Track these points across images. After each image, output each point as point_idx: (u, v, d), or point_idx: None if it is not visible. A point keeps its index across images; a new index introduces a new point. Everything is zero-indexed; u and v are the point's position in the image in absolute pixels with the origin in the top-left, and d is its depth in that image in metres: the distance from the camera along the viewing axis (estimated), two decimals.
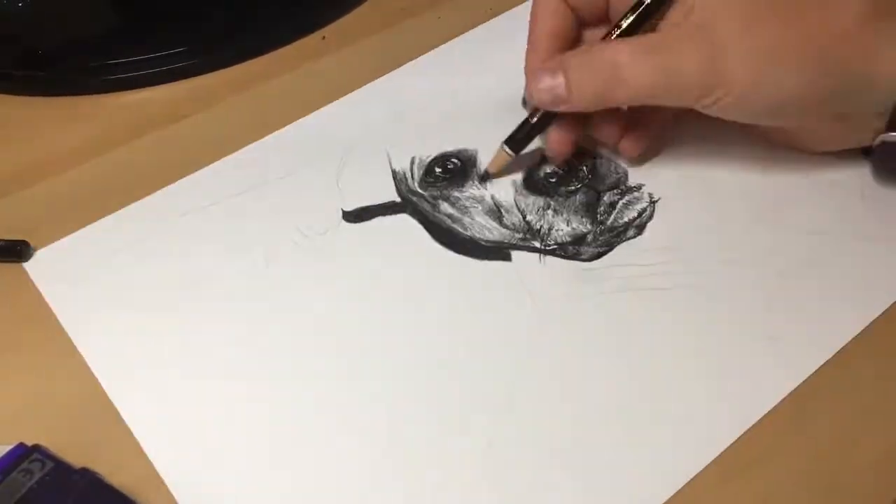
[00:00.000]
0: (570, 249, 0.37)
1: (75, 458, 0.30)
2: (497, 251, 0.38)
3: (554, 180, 0.40)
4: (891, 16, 0.33)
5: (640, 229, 0.38)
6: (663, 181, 0.40)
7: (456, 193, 0.40)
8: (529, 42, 0.40)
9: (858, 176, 0.39)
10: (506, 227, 0.39)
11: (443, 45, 0.49)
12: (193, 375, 0.34)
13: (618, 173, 0.41)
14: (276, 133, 0.44)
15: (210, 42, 0.51)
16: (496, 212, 0.39)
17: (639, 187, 0.40)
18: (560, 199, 0.40)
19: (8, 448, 0.29)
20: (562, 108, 0.37)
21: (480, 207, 0.39)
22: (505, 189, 0.40)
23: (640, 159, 0.41)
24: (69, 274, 0.38)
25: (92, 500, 0.28)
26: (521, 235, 0.38)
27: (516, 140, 0.40)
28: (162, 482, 0.30)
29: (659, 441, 0.31)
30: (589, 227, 0.38)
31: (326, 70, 0.49)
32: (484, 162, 0.41)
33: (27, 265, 0.39)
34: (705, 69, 0.34)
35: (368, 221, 0.39)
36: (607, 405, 0.32)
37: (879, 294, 0.34)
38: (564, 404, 0.32)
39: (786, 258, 0.36)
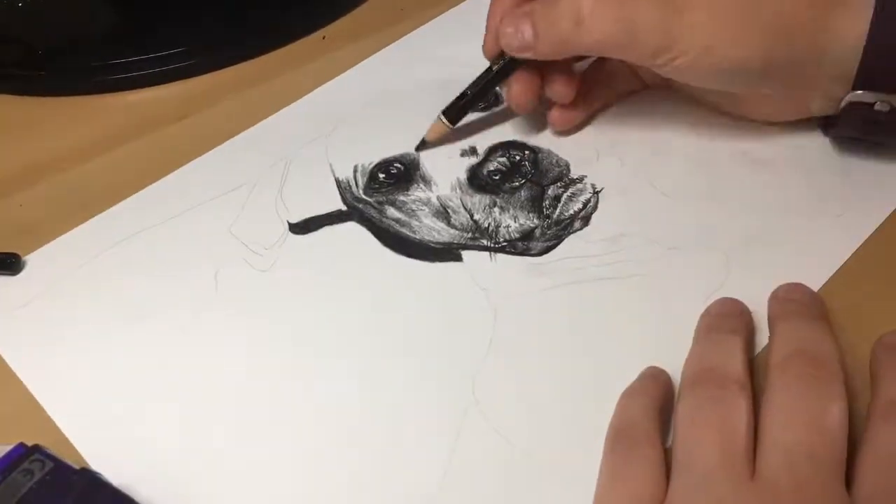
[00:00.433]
0: (520, 245, 0.38)
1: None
2: (447, 252, 0.38)
3: (498, 177, 0.41)
4: None
5: (586, 221, 0.38)
6: (604, 171, 0.40)
7: (402, 198, 0.40)
8: None
9: (797, 155, 0.40)
10: (454, 227, 0.39)
11: (377, 53, 0.49)
12: (145, 397, 0.33)
13: (560, 166, 0.41)
14: (215, 149, 0.44)
15: (210, 42, 0.51)
16: (443, 213, 0.39)
17: (581, 179, 0.40)
18: (505, 195, 0.40)
19: (8, 448, 0.29)
20: (527, 55, 0.38)
21: (427, 210, 0.40)
22: (450, 189, 0.40)
23: (562, 133, 0.42)
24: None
25: (92, 500, 0.28)
26: (469, 235, 0.38)
27: (453, 110, 0.41)
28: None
29: None
30: (536, 221, 0.39)
31: (326, 70, 0.48)
32: (426, 165, 0.41)
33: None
34: (663, 27, 0.35)
35: (316, 232, 0.39)
36: (568, 397, 0.32)
37: (823, 267, 0.35)
38: (527, 398, 0.32)
39: (730, 239, 0.37)
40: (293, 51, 0.51)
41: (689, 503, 0.26)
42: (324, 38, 0.51)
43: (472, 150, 0.42)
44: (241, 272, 0.38)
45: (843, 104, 0.36)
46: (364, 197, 0.40)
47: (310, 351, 0.35)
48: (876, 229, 0.37)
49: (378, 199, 0.40)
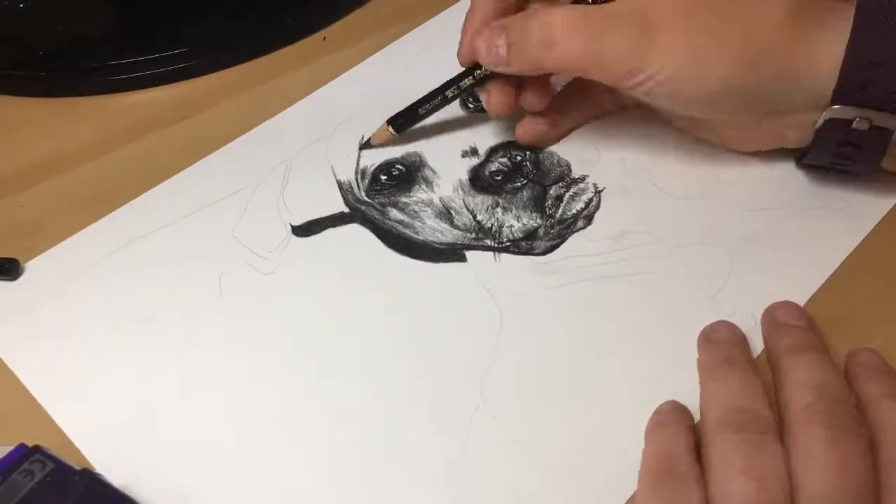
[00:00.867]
0: (524, 245, 0.38)
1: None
2: (451, 253, 0.38)
3: (499, 178, 0.41)
4: (812, 18, 0.34)
5: (589, 220, 0.39)
6: (606, 171, 0.41)
7: (404, 199, 0.40)
8: (472, 4, 0.40)
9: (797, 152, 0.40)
10: (457, 228, 0.39)
11: (377, 53, 0.49)
12: (148, 400, 0.33)
13: (561, 166, 0.41)
14: (216, 151, 0.44)
15: (210, 43, 0.50)
16: (446, 214, 0.39)
17: (583, 178, 0.40)
18: (507, 195, 0.40)
19: (9, 449, 0.29)
20: (501, 69, 0.38)
21: (430, 211, 0.40)
22: (452, 190, 0.40)
23: (530, 144, 0.42)
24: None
25: (93, 500, 0.28)
26: (473, 235, 0.38)
27: (399, 120, 0.42)
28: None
29: (633, 430, 0.31)
30: (539, 221, 0.39)
31: (327, 70, 0.48)
32: (428, 166, 0.41)
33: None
34: (634, 47, 0.35)
35: (319, 234, 0.39)
36: (576, 396, 0.32)
37: (824, 260, 0.36)
38: (535, 398, 0.32)
39: (731, 236, 0.37)
40: (294, 51, 0.51)
41: None
42: (324, 38, 0.51)
43: (474, 151, 0.42)
44: (245, 276, 0.38)
45: (819, 123, 0.35)
46: (366, 199, 0.40)
47: (315, 354, 0.34)
48: (875, 227, 0.37)
49: (380, 200, 0.40)
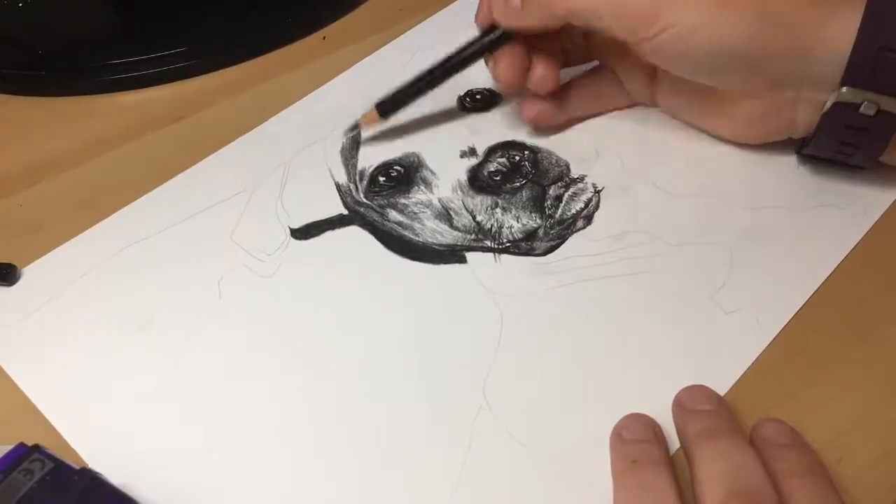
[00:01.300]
0: (524, 246, 0.38)
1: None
2: (451, 254, 0.38)
3: (498, 178, 0.41)
4: None
5: (589, 219, 0.39)
6: (605, 170, 0.41)
7: (403, 200, 0.40)
8: None
9: (791, 151, 0.40)
10: (457, 229, 0.39)
11: (375, 53, 0.49)
12: (149, 401, 0.33)
13: (560, 166, 0.41)
14: (214, 154, 0.44)
15: (210, 42, 0.51)
16: (445, 215, 0.39)
17: (582, 178, 0.40)
18: (507, 196, 0.40)
19: (8, 448, 0.29)
20: (516, 23, 0.38)
21: (429, 212, 0.39)
22: (451, 191, 0.40)
23: (539, 129, 0.43)
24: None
25: (92, 500, 0.28)
26: (473, 236, 0.38)
27: (386, 104, 0.42)
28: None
29: None
30: (539, 221, 0.39)
31: (326, 70, 0.48)
32: (426, 167, 0.41)
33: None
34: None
35: (318, 237, 0.39)
36: (578, 396, 0.32)
37: (824, 258, 0.36)
38: (537, 398, 0.32)
39: (731, 234, 0.37)
40: (293, 51, 0.51)
41: None
42: (324, 38, 0.51)
43: (472, 151, 0.42)
44: (245, 279, 0.37)
45: (828, 105, 0.35)
46: (365, 200, 0.40)
47: (315, 357, 0.34)
48: (875, 223, 0.37)
49: (379, 202, 0.40)
